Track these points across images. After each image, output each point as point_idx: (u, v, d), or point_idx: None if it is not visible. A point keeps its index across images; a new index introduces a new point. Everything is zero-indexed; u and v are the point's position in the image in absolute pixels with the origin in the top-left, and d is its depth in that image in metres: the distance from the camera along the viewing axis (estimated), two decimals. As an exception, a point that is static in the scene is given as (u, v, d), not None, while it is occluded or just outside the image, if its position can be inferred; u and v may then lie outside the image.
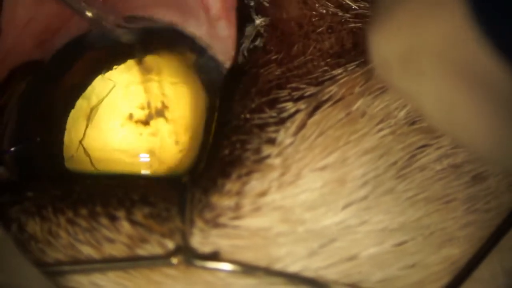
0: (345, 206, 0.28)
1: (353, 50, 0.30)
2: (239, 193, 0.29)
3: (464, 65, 0.20)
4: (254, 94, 0.30)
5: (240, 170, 0.29)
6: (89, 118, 0.35)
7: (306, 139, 0.28)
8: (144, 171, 0.35)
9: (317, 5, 0.30)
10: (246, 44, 0.32)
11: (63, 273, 0.29)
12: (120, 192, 0.30)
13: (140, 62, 0.36)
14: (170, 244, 0.29)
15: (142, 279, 0.29)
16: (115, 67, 0.36)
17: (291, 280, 0.28)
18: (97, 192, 0.30)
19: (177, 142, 0.35)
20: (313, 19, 0.30)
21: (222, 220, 0.28)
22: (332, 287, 0.28)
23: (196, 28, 0.38)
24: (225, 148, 0.30)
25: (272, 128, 0.29)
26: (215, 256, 0.28)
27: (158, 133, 0.35)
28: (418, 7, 0.21)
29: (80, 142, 0.35)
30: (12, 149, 0.33)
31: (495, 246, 0.29)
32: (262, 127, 0.29)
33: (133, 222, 0.29)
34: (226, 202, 0.29)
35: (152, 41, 0.36)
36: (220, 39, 0.37)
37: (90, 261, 0.29)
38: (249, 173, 0.29)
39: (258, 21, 0.31)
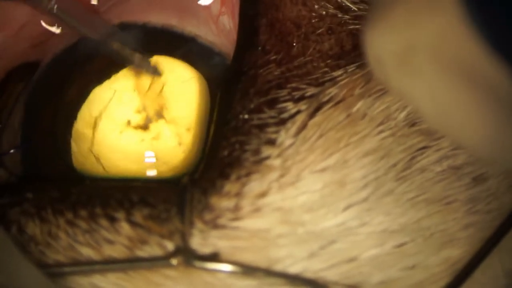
0: (346, 208, 0.28)
1: (353, 52, 0.30)
2: (238, 194, 0.28)
3: (460, 63, 0.20)
4: (252, 94, 0.30)
5: (239, 171, 0.29)
6: (94, 127, 0.36)
7: (307, 141, 0.28)
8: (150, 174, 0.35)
9: (316, 6, 0.30)
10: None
11: (63, 275, 0.29)
12: (119, 193, 0.30)
13: (134, 67, 0.36)
14: (170, 245, 0.29)
15: (141, 280, 0.29)
16: (113, 75, 0.36)
17: (291, 281, 0.28)
18: (97, 193, 0.30)
19: (180, 144, 0.35)
20: (313, 20, 0.30)
21: (222, 221, 0.28)
22: (332, 288, 0.28)
23: (196, 27, 0.38)
24: (224, 149, 0.30)
25: (272, 129, 0.29)
26: (214, 257, 0.28)
27: (160, 137, 0.36)
28: (414, 6, 0.21)
29: (90, 150, 0.35)
30: (11, 151, 0.33)
31: (495, 247, 0.29)
32: (262, 127, 0.29)
33: (132, 223, 0.29)
34: (225, 203, 0.28)
35: (150, 44, 0.36)
36: (223, 34, 0.37)
37: (89, 262, 0.29)
38: (248, 174, 0.29)
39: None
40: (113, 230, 0.29)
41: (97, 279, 0.29)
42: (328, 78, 0.29)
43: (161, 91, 0.36)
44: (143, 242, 0.29)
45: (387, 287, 0.29)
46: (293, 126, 0.29)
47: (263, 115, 0.29)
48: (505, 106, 0.20)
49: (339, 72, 0.29)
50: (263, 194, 0.28)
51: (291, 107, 0.29)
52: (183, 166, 0.35)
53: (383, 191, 0.28)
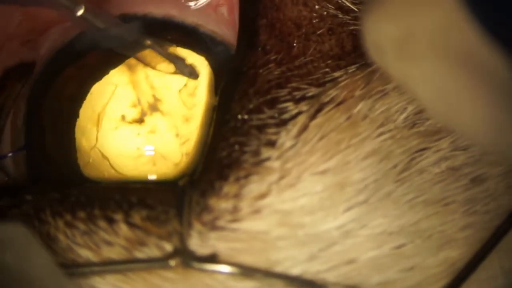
0: (345, 210, 0.28)
1: (353, 53, 0.29)
2: (237, 196, 0.28)
3: (459, 51, 0.20)
4: (252, 94, 0.30)
5: (238, 172, 0.29)
6: (98, 123, 0.35)
7: (308, 142, 0.28)
8: (149, 170, 0.35)
9: (317, 6, 0.30)
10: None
11: (61, 276, 0.28)
12: (118, 194, 0.30)
13: (127, 61, 0.36)
14: (168, 247, 0.28)
15: (140, 282, 0.29)
16: (111, 70, 0.36)
17: (290, 283, 0.28)
18: (95, 194, 0.30)
19: (177, 135, 0.35)
20: (314, 21, 0.30)
21: (220, 222, 0.28)
22: (331, 290, 0.28)
23: (196, 17, 0.37)
24: (222, 150, 0.29)
25: (272, 130, 0.29)
26: (213, 258, 0.28)
27: (156, 129, 0.35)
28: None
29: (96, 146, 0.35)
30: (10, 154, 0.33)
31: (494, 247, 0.29)
32: (261, 128, 0.29)
33: (131, 225, 0.29)
34: (224, 204, 0.28)
35: (151, 36, 0.35)
36: (224, 23, 0.37)
37: (88, 264, 0.28)
38: (247, 176, 0.28)
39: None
40: (112, 232, 0.29)
41: (96, 281, 0.28)
42: (329, 78, 0.29)
43: (151, 82, 0.36)
44: (142, 243, 0.29)
45: (386, 288, 0.29)
46: (294, 128, 0.28)
47: (262, 116, 0.29)
48: (504, 93, 0.20)
49: (340, 73, 0.29)
50: (262, 196, 0.28)
51: (292, 107, 0.29)
52: (183, 160, 0.35)
53: (382, 193, 0.28)
